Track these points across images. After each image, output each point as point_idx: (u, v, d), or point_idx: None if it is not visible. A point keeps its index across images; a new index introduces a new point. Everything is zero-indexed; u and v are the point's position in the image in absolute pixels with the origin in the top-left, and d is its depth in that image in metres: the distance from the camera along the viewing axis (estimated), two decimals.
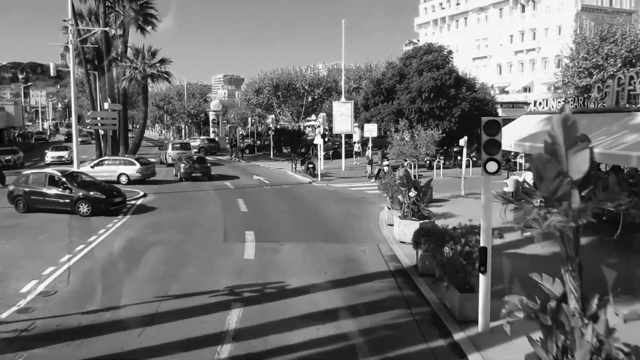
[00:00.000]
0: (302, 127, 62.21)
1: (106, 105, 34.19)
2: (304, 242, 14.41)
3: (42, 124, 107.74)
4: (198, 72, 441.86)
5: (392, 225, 16.45)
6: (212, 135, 60.45)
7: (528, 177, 18.79)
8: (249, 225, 16.68)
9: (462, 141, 22.82)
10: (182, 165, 28.82)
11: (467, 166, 28.86)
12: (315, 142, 30.97)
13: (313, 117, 66.22)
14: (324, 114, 34.66)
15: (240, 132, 63.39)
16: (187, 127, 76.20)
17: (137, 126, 53.32)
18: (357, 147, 37.63)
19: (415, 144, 20.43)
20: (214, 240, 14.87)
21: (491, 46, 68.70)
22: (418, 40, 74.59)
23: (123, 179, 26.45)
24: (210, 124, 60.24)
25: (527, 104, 58.16)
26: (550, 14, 60.44)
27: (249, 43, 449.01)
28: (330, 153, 39.33)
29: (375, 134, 31.24)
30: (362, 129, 36.11)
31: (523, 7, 64.22)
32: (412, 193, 14.18)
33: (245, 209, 19.87)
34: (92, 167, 27.00)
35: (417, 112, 33.89)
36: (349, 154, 38.51)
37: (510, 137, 19.11)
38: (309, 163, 30.08)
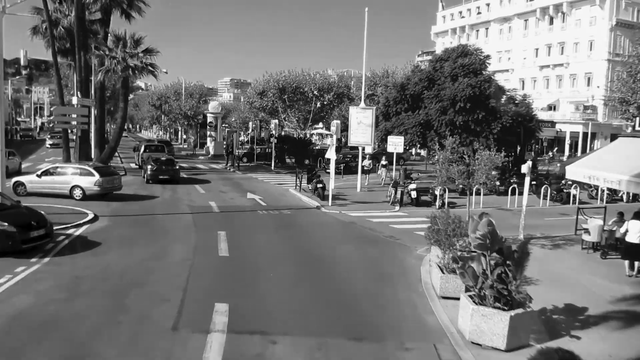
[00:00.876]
0: (308, 135, 56.35)
1: (74, 100, 28.51)
2: (311, 337, 8.41)
3: (34, 121, 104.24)
4: (205, 74, 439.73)
5: (447, 298, 10.55)
6: (208, 140, 54.63)
7: (635, 227, 12.82)
8: (225, 289, 10.72)
9: (525, 167, 16.84)
10: (149, 167, 27.54)
11: (509, 194, 23.13)
12: (327, 156, 24.98)
13: (320, 125, 60.33)
14: (338, 122, 28.68)
15: (240, 138, 57.41)
16: (183, 129, 70.56)
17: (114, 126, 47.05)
18: (367, 163, 30.14)
19: (468, 170, 14.52)
20: (159, 323, 8.78)
21: (514, 59, 63.26)
22: (434, 50, 69.34)
23: (77, 192, 20.48)
24: (208, 126, 54.39)
25: (554, 123, 52.60)
26: (581, 28, 54.83)
27: (258, 48, 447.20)
28: (341, 167, 33.27)
29: (401, 148, 25.22)
30: (382, 140, 29.77)
31: (551, 19, 58.61)
32: (493, 261, 8.32)
33: (227, 251, 13.85)
34: (39, 176, 21.13)
35: (449, 124, 27.94)
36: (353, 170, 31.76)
37: (611, 167, 13.13)
38: (318, 182, 24.04)
